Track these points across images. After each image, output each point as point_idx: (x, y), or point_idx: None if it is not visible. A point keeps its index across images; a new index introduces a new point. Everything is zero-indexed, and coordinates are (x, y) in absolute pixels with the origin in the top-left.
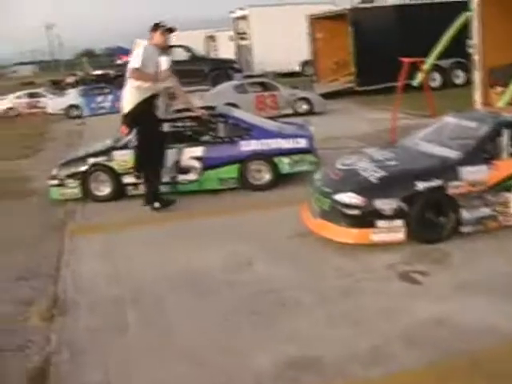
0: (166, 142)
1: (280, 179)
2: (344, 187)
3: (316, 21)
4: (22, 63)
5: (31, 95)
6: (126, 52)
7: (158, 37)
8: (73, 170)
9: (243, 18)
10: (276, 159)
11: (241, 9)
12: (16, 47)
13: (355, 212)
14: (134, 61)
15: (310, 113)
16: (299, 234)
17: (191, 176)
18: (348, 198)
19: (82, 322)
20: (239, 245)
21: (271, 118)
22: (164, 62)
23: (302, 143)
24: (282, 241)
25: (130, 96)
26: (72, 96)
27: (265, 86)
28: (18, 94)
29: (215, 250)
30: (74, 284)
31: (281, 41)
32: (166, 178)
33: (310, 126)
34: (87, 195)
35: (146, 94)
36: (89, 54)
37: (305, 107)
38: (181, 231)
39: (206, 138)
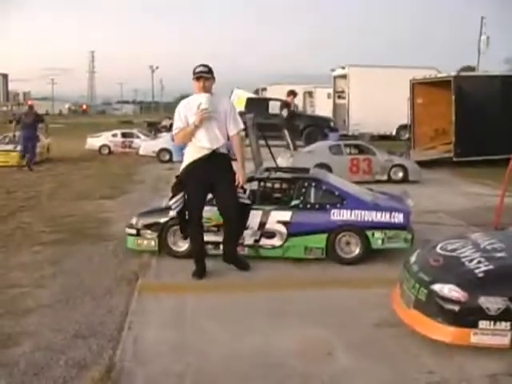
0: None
1: (370, 254)
2: (444, 277)
3: (418, 85)
4: (124, 102)
5: (125, 135)
6: None
7: (194, 85)
8: (152, 220)
9: (343, 76)
10: (368, 233)
11: (342, 67)
12: (121, 86)
13: (455, 307)
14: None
15: (405, 181)
16: (388, 322)
17: (275, 241)
18: (448, 290)
19: None
20: (320, 327)
21: (364, 182)
22: (202, 100)
23: (398, 218)
24: (367, 329)
25: (185, 155)
26: (164, 140)
27: (360, 149)
28: (114, 132)
29: (293, 331)
30: (134, 352)
31: (378, 103)
32: (248, 241)
33: (408, 200)
34: (164, 249)
35: (197, 154)
36: None
37: (400, 175)
38: (258, 303)
39: (295, 202)
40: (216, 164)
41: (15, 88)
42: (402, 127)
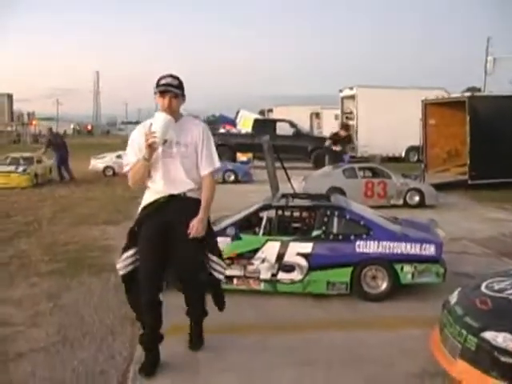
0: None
1: (398, 289)
2: (497, 323)
3: (430, 106)
4: (128, 122)
5: None
6: (230, 121)
7: (157, 101)
8: None
9: (351, 97)
10: (397, 266)
11: (350, 88)
12: (125, 106)
13: None
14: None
15: (421, 205)
16: (429, 372)
17: (295, 275)
18: (503, 339)
19: None
20: (351, 380)
21: (379, 207)
22: (157, 121)
23: (429, 250)
24: (406, 380)
25: (144, 197)
26: None
27: (375, 172)
28: (118, 153)
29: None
30: None
31: (387, 124)
32: (265, 275)
33: (437, 229)
34: (173, 281)
35: (151, 198)
36: None
37: (416, 199)
38: (279, 349)
39: (317, 232)
40: (175, 211)
41: (19, 108)
42: (411, 149)
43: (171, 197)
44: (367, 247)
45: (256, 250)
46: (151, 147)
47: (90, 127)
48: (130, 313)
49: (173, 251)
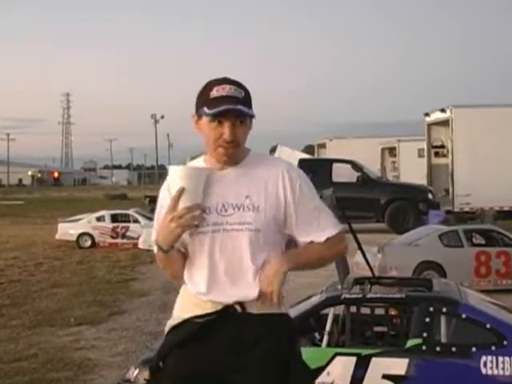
0: None
1: None
2: None
3: None
4: (115, 167)
5: (117, 218)
6: None
7: (203, 129)
8: None
9: (443, 123)
10: None
11: (441, 110)
12: (110, 143)
13: None
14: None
15: None
16: None
17: None
18: None
19: None
20: None
21: (501, 292)
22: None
23: None
24: None
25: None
26: None
27: (490, 237)
28: (100, 213)
29: None
30: None
31: (501, 162)
32: None
33: None
34: None
35: (191, 310)
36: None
37: None
38: None
39: (414, 341)
40: (232, 346)
41: None
42: None
43: (225, 312)
44: (500, 367)
45: (319, 370)
46: (184, 226)
47: (56, 174)
48: None
49: None
